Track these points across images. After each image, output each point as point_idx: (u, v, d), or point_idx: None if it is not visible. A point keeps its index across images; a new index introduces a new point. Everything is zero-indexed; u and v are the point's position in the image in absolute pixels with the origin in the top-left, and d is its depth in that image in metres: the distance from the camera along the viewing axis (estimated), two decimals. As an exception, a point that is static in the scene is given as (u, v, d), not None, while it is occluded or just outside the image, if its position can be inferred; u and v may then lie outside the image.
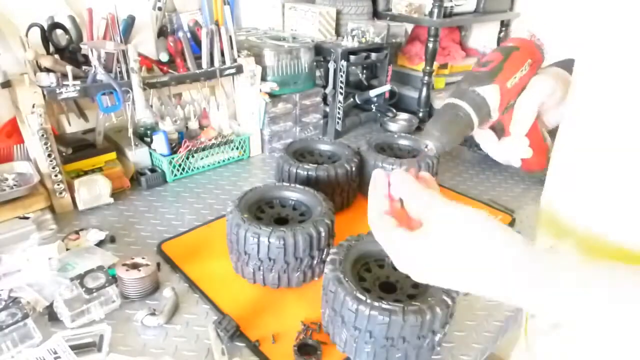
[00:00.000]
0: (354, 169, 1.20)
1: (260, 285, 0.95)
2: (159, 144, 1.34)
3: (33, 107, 1.07)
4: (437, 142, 0.56)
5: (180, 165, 1.38)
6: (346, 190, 1.21)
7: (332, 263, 0.81)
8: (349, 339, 0.76)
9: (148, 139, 1.40)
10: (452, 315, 0.79)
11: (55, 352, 0.77)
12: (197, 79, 1.35)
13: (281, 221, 1.01)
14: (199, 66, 1.35)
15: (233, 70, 1.41)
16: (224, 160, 1.49)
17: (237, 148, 1.52)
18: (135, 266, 0.91)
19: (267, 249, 0.89)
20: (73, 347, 0.78)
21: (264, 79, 1.50)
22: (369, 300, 0.72)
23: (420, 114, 1.90)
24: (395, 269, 0.72)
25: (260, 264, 0.92)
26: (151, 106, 1.33)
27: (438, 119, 0.57)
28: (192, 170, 1.42)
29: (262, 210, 1.03)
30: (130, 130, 1.27)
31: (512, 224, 1.21)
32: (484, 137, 0.63)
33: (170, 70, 1.31)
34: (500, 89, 0.57)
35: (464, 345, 0.85)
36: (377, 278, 0.85)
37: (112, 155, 1.31)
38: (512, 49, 0.61)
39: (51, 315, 0.85)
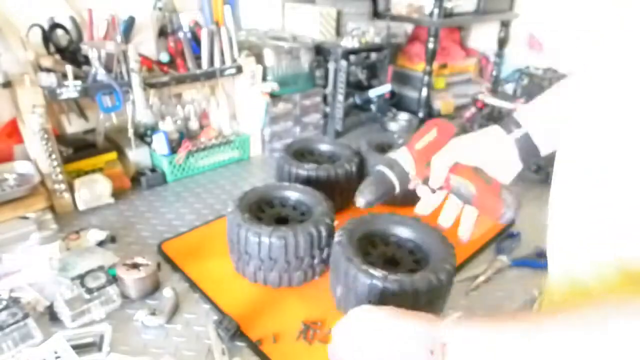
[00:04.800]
0: (354, 169, 1.20)
1: (261, 285, 0.95)
2: (159, 144, 1.35)
3: (33, 107, 1.07)
4: (364, 198, 0.67)
5: (180, 165, 1.38)
6: (346, 190, 1.21)
7: (339, 244, 0.85)
8: None
9: (148, 139, 1.40)
10: (453, 283, 0.85)
11: (56, 352, 0.77)
12: (197, 79, 1.35)
13: (281, 221, 1.01)
14: (199, 66, 1.36)
15: (233, 71, 1.42)
16: (224, 161, 1.49)
17: (237, 148, 1.52)
18: (135, 266, 0.91)
19: (268, 248, 0.90)
20: (74, 347, 0.78)
21: (264, 79, 1.50)
22: (381, 275, 0.77)
23: (420, 114, 1.90)
24: (399, 246, 0.90)
25: (262, 264, 0.92)
26: (151, 106, 1.33)
27: (366, 181, 0.69)
28: (193, 170, 1.42)
29: (263, 210, 1.03)
30: (131, 131, 1.27)
31: (511, 225, 1.20)
32: (422, 192, 0.70)
33: (170, 70, 1.31)
34: (409, 150, 0.67)
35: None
36: (381, 253, 0.91)
37: (113, 155, 1.31)
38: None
39: (52, 315, 0.85)
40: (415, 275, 0.77)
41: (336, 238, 0.87)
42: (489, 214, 0.67)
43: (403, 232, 0.93)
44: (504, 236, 1.14)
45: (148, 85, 1.24)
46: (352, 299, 0.81)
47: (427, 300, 0.78)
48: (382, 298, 0.77)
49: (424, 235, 0.90)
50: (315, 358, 0.79)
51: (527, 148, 0.65)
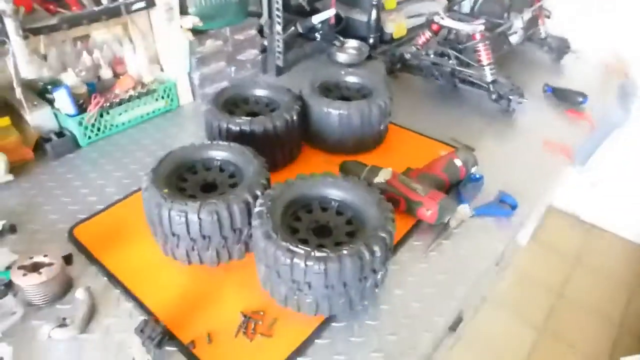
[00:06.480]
0: (295, 117, 1.04)
1: (196, 267, 0.83)
2: (62, 101, 1.12)
3: None
4: None
5: (93, 125, 1.17)
6: (288, 144, 1.05)
7: (259, 216, 0.73)
8: (289, 292, 0.72)
9: (51, 97, 1.16)
10: (392, 250, 0.76)
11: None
12: (97, 18, 1.10)
13: (209, 188, 0.87)
14: (98, 1, 1.10)
15: (142, 4, 1.17)
16: (148, 114, 1.28)
17: (163, 98, 1.30)
18: (35, 267, 0.75)
19: (198, 226, 0.77)
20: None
21: (183, 12, 1.26)
22: (302, 252, 0.67)
23: (371, 40, 1.71)
24: (325, 209, 0.80)
25: (194, 244, 0.79)
26: (45, 56, 1.09)
27: None
28: (110, 129, 1.21)
29: (184, 178, 0.88)
30: (18, 90, 1.04)
31: (474, 164, 1.08)
32: None
33: (59, 10, 1.05)
34: None
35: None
36: (311, 223, 0.79)
37: (5, 120, 1.09)
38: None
39: None
40: (343, 250, 0.67)
41: (255, 209, 0.75)
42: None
43: (338, 195, 0.81)
44: (466, 180, 1.03)
45: (31, 31, 0.99)
46: (275, 279, 0.71)
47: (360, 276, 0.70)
48: (308, 277, 0.67)
49: (361, 198, 0.79)
50: (257, 356, 0.69)
51: None
